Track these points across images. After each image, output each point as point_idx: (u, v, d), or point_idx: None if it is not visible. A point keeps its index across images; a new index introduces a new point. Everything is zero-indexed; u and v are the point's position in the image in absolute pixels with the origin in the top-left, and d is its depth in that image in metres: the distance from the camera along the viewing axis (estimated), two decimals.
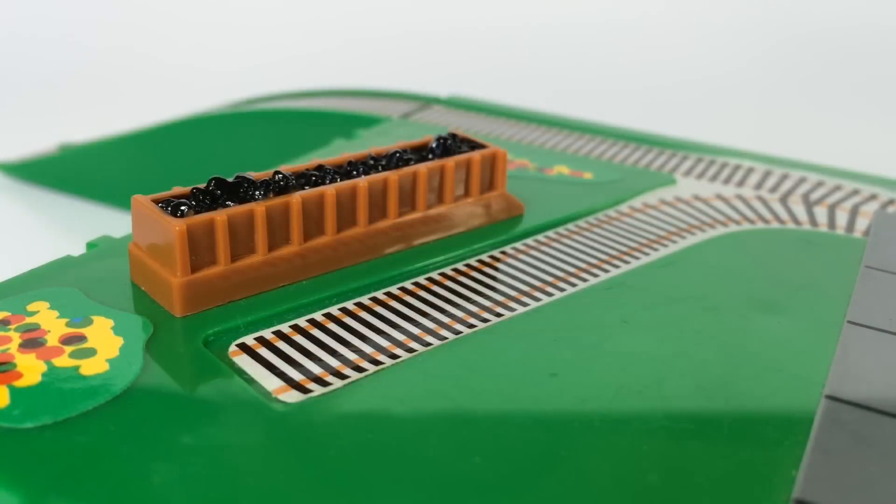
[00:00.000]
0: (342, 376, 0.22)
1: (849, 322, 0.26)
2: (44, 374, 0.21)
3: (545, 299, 0.27)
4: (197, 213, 0.25)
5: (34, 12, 0.81)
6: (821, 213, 0.36)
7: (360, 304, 0.26)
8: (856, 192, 0.39)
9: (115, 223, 0.37)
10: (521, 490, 0.19)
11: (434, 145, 0.31)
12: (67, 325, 0.23)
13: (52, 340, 0.23)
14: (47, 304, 0.24)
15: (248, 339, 0.24)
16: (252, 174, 0.27)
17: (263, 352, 0.23)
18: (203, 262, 0.24)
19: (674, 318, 0.26)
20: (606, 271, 0.29)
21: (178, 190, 0.26)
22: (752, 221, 0.34)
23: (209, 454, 0.19)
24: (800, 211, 0.36)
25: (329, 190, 0.27)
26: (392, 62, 0.75)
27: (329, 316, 0.25)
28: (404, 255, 0.29)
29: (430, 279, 0.28)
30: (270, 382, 0.22)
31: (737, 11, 0.71)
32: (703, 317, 0.26)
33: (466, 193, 0.31)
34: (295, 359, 0.23)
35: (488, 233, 0.31)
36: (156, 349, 0.23)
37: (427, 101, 0.52)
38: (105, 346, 0.22)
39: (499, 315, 0.25)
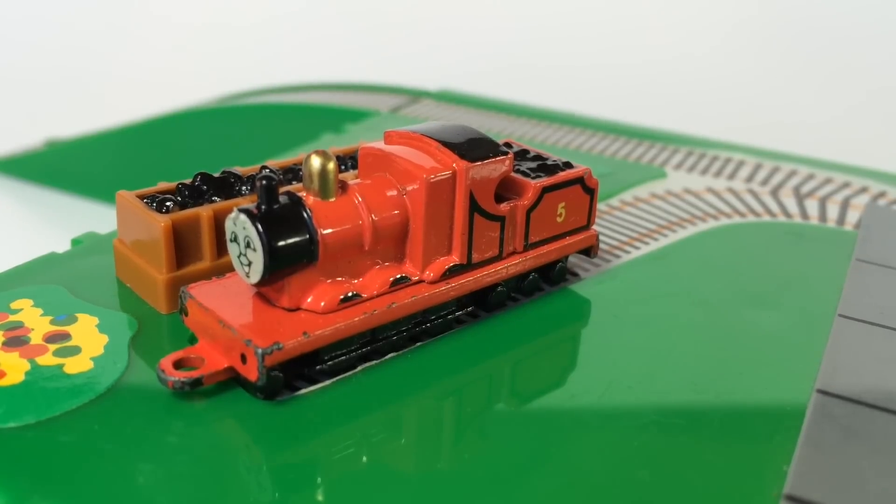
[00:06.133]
0: (331, 374, 0.22)
1: (839, 315, 0.26)
2: (27, 373, 0.21)
3: (536, 294, 0.26)
4: (182, 208, 0.25)
5: (20, 7, 0.80)
6: (812, 205, 0.36)
7: None
8: (846, 184, 0.39)
9: (101, 218, 0.36)
10: (511, 487, 0.18)
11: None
12: (51, 322, 0.23)
13: (35, 339, 0.22)
14: (31, 302, 0.24)
15: None
16: (239, 169, 0.27)
17: None
18: (189, 258, 0.24)
19: (665, 313, 0.26)
20: (597, 266, 0.29)
21: (163, 185, 0.25)
22: (742, 215, 0.34)
23: (195, 453, 0.19)
24: (790, 204, 0.36)
25: None
26: (380, 56, 0.74)
27: None
28: None
29: None
30: None
31: (727, 4, 0.71)
32: (694, 311, 0.26)
33: None
34: None
35: None
36: (141, 347, 0.22)
37: (416, 95, 0.52)
38: (90, 344, 0.22)
39: (489, 312, 0.25)
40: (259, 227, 0.20)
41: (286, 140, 0.42)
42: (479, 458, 0.19)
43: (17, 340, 0.22)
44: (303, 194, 0.21)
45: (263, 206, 0.20)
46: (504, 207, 0.24)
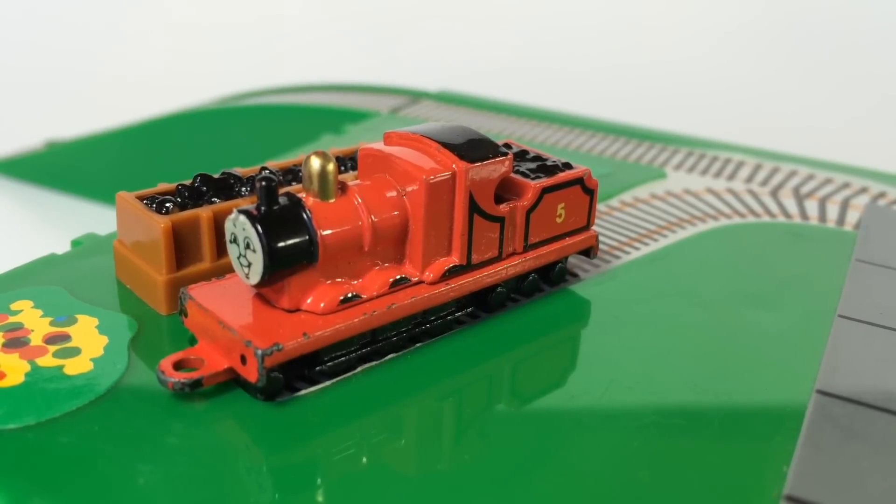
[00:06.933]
0: (331, 375, 0.22)
1: (839, 316, 0.26)
2: (27, 375, 0.21)
3: (536, 295, 0.26)
4: (182, 209, 0.25)
5: (20, 8, 0.80)
6: (811, 206, 0.36)
7: None
8: (846, 185, 0.39)
9: (101, 220, 0.36)
10: (511, 487, 0.18)
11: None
12: (51, 324, 0.23)
13: (35, 340, 0.22)
14: (31, 303, 0.24)
15: None
16: (238, 170, 0.27)
17: None
18: (188, 259, 0.24)
19: (664, 313, 0.26)
20: (597, 266, 0.29)
21: (162, 186, 0.25)
22: (742, 215, 0.34)
23: (195, 455, 0.19)
24: (790, 204, 0.36)
25: None
26: (380, 57, 0.74)
27: None
28: None
29: None
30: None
31: (726, 6, 0.71)
32: (694, 311, 0.26)
33: None
34: None
35: None
36: (141, 348, 0.22)
37: (416, 96, 0.52)
38: (89, 345, 0.22)
39: (489, 312, 0.25)
40: (259, 228, 0.20)
41: (286, 141, 0.42)
42: (479, 459, 0.19)
43: (17, 342, 0.22)
44: (302, 195, 0.21)
45: (263, 208, 0.20)
46: (504, 208, 0.24)
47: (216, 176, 0.26)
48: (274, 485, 0.18)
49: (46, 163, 0.58)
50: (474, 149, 0.23)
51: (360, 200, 0.22)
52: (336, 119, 0.46)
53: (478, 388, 0.22)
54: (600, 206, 0.34)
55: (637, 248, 0.30)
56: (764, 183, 0.38)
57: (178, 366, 0.21)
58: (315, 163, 0.21)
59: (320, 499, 0.18)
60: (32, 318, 0.23)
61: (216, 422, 0.20)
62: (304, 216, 0.21)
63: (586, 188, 0.26)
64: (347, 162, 0.29)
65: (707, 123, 0.55)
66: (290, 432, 0.20)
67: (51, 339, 0.22)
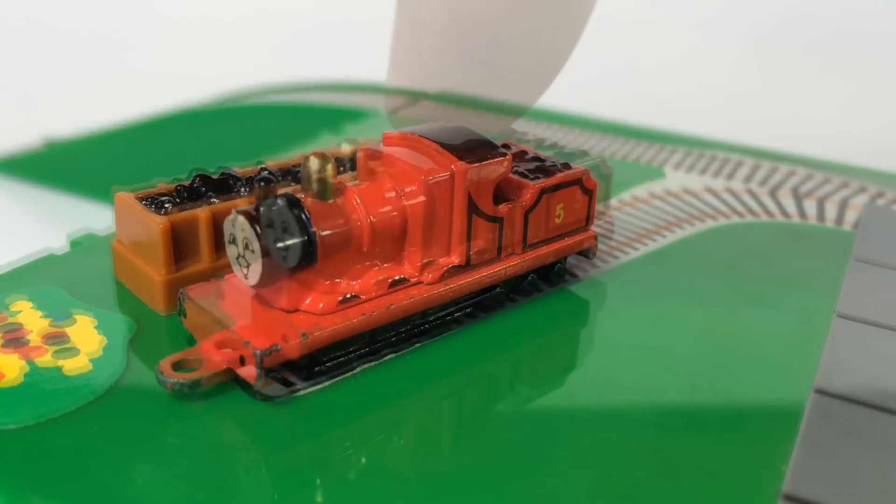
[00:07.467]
0: (330, 374, 0.22)
1: (838, 315, 0.26)
2: (26, 374, 0.21)
3: (535, 295, 0.26)
4: (181, 209, 0.25)
5: (19, 6, 0.80)
6: (810, 205, 0.36)
7: None
8: (845, 184, 0.39)
9: (100, 219, 0.36)
10: (510, 487, 0.18)
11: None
12: (50, 324, 0.23)
13: (34, 339, 0.22)
14: (30, 303, 0.24)
15: None
16: (237, 170, 0.27)
17: None
18: (187, 259, 0.24)
19: (663, 312, 0.26)
20: (596, 266, 0.29)
21: (161, 186, 0.25)
22: (741, 214, 0.34)
23: (194, 455, 0.19)
24: (789, 204, 0.36)
25: None
26: (380, 56, 0.74)
27: None
28: None
29: None
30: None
31: (726, 5, 0.71)
32: (693, 311, 0.26)
33: None
34: None
35: None
36: (140, 348, 0.22)
37: (415, 96, 0.52)
38: (88, 344, 0.22)
39: (488, 313, 0.25)
40: (257, 229, 0.20)
41: (285, 141, 0.42)
42: (478, 459, 0.19)
43: (15, 341, 0.22)
44: (301, 196, 0.21)
45: (262, 208, 0.20)
46: (502, 208, 0.24)
47: (215, 176, 0.26)
48: (273, 484, 0.18)
49: (44, 161, 0.58)
50: (473, 149, 0.23)
51: (358, 201, 0.22)
52: (336, 119, 0.46)
53: (477, 387, 0.22)
54: (599, 206, 0.34)
55: (636, 248, 0.30)
56: (763, 182, 0.38)
57: (176, 366, 0.21)
58: (314, 163, 0.21)
59: (319, 499, 0.18)
60: (31, 318, 0.23)
61: (215, 422, 0.20)
62: (303, 217, 0.21)
63: (585, 188, 0.26)
64: (346, 162, 0.29)
65: (706, 123, 0.55)
66: (289, 432, 0.20)
67: (50, 339, 0.22)
